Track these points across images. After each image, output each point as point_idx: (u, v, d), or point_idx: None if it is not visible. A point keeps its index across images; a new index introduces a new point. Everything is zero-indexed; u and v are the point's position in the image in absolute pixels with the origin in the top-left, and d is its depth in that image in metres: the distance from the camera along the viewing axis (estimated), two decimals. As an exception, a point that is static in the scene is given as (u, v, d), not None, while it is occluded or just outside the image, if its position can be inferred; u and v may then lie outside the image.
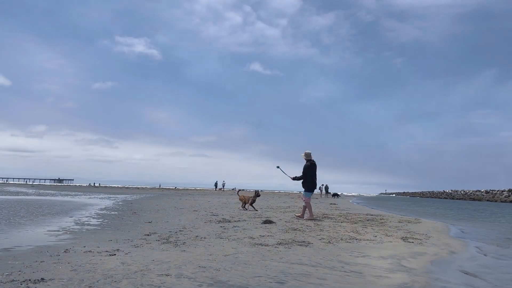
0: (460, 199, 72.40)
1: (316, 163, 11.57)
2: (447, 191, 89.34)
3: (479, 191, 71.25)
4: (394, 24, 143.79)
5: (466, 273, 5.14)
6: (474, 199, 66.34)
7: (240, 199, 15.06)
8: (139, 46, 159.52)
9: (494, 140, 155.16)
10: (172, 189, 74.45)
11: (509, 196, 56.75)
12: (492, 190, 65.95)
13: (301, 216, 11.54)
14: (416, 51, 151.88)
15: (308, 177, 11.39)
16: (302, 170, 11.50)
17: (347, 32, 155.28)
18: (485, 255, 6.75)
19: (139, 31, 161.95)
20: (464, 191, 78.42)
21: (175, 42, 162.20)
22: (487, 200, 60.31)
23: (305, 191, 11.49)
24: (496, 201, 57.59)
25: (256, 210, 14.26)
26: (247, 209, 14.48)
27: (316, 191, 49.99)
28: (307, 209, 11.46)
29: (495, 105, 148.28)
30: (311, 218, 11.30)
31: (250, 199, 14.60)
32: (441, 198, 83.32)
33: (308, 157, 11.53)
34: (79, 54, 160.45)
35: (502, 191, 61.68)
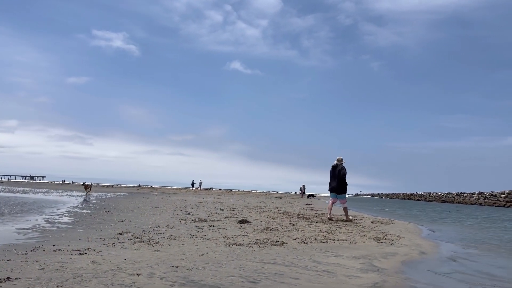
0: (432, 201, 74.26)
1: (339, 165, 12.07)
2: (420, 193, 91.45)
3: (451, 193, 73.24)
4: (373, 28, 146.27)
5: (435, 273, 5.27)
6: (445, 201, 68.16)
7: None
8: (117, 41, 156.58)
9: (465, 144, 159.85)
10: (148, 187, 73.53)
11: (478, 199, 58.57)
12: (463, 193, 67.90)
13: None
14: (393, 55, 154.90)
15: (331, 179, 12.23)
16: None
17: (326, 35, 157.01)
18: (454, 255, 6.94)
19: (117, 26, 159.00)
20: (436, 193, 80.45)
21: (154, 39, 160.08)
22: (458, 203, 62.08)
23: None
24: (466, 203, 59.33)
25: None
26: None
27: (297, 190, 49.85)
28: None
29: (467, 110, 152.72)
30: (329, 218, 12.03)
31: None
32: (414, 200, 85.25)
33: (338, 162, 12.17)
34: (53, 47, 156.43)
35: (472, 194, 63.60)
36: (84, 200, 19.22)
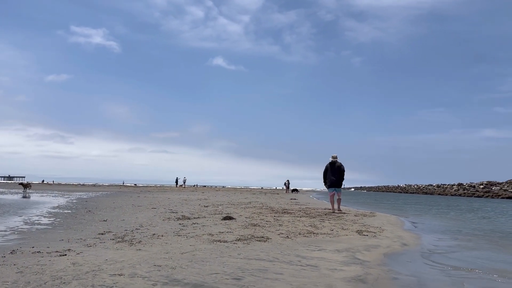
0: (413, 193, 75.59)
1: (337, 162, 13.35)
2: (401, 185, 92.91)
3: (431, 185, 74.66)
4: (353, 24, 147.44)
5: (417, 265, 5.35)
6: (426, 193, 69.46)
7: None
8: (97, 37, 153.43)
9: (444, 137, 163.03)
10: (131, 186, 72.73)
11: (458, 190, 59.88)
12: (443, 185, 69.32)
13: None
14: (374, 51, 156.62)
15: (325, 175, 13.48)
16: None
17: (308, 30, 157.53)
18: (435, 247, 7.07)
19: (97, 22, 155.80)
20: (417, 186, 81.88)
21: (135, 35, 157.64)
22: (439, 194, 63.38)
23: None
24: (446, 194, 60.61)
25: None
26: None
27: (283, 186, 50.52)
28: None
29: (445, 103, 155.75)
30: (331, 210, 13.33)
31: None
32: (396, 192, 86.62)
33: (333, 158, 13.46)
34: (31, 44, 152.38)
35: (452, 185, 64.99)
36: (24, 197, 21.18)
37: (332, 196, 13.48)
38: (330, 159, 13.42)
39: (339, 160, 13.40)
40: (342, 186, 13.86)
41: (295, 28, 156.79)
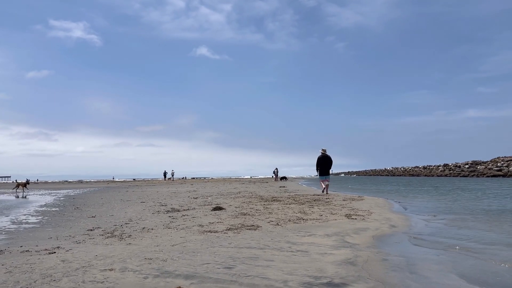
0: (400, 175, 76.72)
1: (327, 155, 16.75)
2: (388, 168, 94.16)
3: (418, 167, 75.80)
4: (336, 9, 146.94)
5: (405, 245, 5.45)
6: (413, 175, 70.57)
7: None
8: (77, 31, 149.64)
9: (429, 118, 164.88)
10: (120, 181, 72.17)
11: (444, 170, 60.93)
12: (429, 166, 70.43)
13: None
14: (356, 35, 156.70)
15: (318, 165, 16.66)
16: None
17: (291, 17, 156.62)
18: (423, 227, 7.20)
19: (76, 15, 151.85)
20: (403, 168, 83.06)
21: (115, 28, 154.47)
22: (425, 175, 64.44)
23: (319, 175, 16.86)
24: (433, 175, 61.67)
25: None
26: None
27: (273, 174, 51.01)
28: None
29: (428, 85, 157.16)
30: (322, 192, 16.26)
31: None
32: (383, 175, 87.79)
33: (323, 151, 16.71)
34: (8, 41, 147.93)
35: (438, 166, 66.07)
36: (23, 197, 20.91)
37: (323, 182, 16.56)
38: (321, 151, 16.65)
39: (327, 152, 16.78)
40: (330, 172, 17.09)
41: (278, 15, 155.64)
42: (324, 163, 16.48)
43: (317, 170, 16.79)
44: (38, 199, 18.60)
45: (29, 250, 5.19)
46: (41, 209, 12.37)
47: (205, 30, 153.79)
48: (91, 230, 7.05)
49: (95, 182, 67.87)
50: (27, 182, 30.25)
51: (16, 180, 31.55)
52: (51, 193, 25.10)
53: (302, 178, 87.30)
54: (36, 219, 9.42)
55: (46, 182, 71.41)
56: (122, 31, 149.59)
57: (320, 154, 16.68)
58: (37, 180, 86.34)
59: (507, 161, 48.08)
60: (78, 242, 5.79)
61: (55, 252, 4.94)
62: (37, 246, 5.52)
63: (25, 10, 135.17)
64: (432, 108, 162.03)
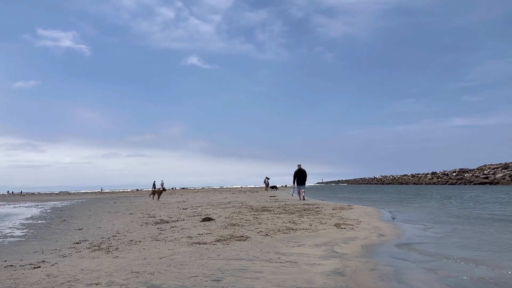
0: (389, 183, 77.18)
1: (302, 169, 19.79)
2: (377, 177, 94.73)
3: (406, 175, 76.44)
4: (324, 20, 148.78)
5: (394, 255, 5.47)
6: (401, 183, 71.06)
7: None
8: (66, 40, 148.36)
9: (416, 127, 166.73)
10: (108, 192, 71.33)
11: (432, 178, 61.49)
12: (418, 174, 71.09)
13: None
14: (345, 45, 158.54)
15: (295, 177, 19.80)
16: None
17: (280, 28, 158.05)
18: (412, 236, 7.23)
19: (65, 25, 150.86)
20: (392, 176, 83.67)
21: (105, 38, 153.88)
22: (414, 183, 64.93)
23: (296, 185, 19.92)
24: (421, 183, 62.16)
25: None
26: None
27: (263, 184, 51.30)
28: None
29: (416, 94, 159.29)
30: (299, 200, 19.19)
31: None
32: (373, 184, 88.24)
33: (299, 166, 19.78)
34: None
35: (426, 174, 66.70)
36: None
37: (299, 191, 19.89)
38: (297, 167, 19.77)
39: (302, 166, 19.84)
40: (306, 184, 20.24)
41: (267, 26, 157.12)
42: (300, 176, 19.65)
43: (293, 182, 19.96)
44: (24, 211, 18.26)
45: (13, 264, 5.08)
46: (27, 222, 12.15)
47: (195, 40, 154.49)
48: (78, 243, 6.94)
49: (83, 193, 66.94)
50: None
51: None
52: (38, 205, 24.68)
53: (293, 187, 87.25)
54: (22, 232, 9.25)
55: (32, 194, 70.25)
56: (111, 41, 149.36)
57: (297, 168, 19.73)
58: (21, 191, 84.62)
59: (493, 168, 48.78)
60: (64, 255, 5.69)
61: (40, 267, 4.84)
62: (21, 260, 5.41)
63: (13, 19, 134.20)
64: (419, 116, 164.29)
